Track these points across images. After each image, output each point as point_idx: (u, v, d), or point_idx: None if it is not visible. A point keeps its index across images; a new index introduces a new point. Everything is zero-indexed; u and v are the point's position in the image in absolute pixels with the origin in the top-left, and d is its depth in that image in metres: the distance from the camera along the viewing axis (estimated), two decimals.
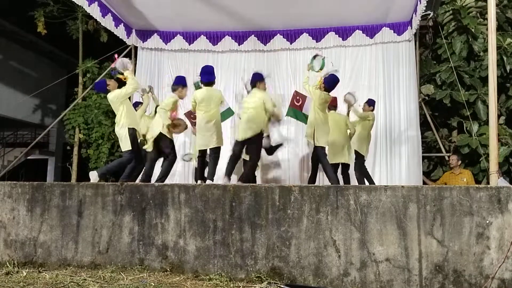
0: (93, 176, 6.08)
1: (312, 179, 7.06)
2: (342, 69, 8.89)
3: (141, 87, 7.12)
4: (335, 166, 7.16)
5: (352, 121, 7.48)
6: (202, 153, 6.76)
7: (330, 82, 6.79)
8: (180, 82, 6.67)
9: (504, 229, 4.31)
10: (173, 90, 6.61)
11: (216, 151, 6.53)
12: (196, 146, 6.82)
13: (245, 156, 6.93)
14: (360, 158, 7.53)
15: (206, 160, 6.81)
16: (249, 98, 6.67)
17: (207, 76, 6.57)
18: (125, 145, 6.25)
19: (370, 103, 7.69)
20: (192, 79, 9.19)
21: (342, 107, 7.72)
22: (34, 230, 5.26)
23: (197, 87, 7.37)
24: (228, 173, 6.36)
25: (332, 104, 7.29)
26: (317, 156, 6.77)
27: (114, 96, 6.29)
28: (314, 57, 7.12)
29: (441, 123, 9.53)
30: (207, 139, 6.47)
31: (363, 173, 7.55)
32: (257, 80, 6.68)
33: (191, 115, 7.78)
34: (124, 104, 6.27)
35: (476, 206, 4.37)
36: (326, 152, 6.83)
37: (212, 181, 6.26)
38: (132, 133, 6.25)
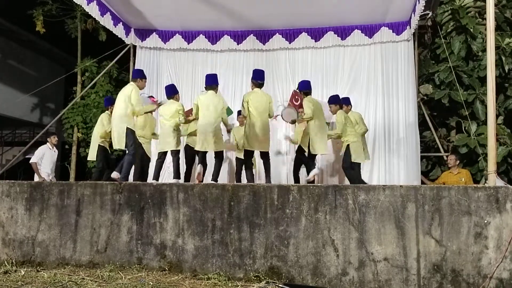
0: (116, 175, 6.25)
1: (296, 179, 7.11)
2: (341, 68, 8.91)
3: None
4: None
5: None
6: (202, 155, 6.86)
7: (305, 86, 6.97)
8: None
9: (502, 229, 4.32)
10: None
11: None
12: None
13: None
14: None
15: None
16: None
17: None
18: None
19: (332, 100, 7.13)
20: (192, 79, 9.25)
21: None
22: (32, 229, 5.25)
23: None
24: None
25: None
26: (301, 160, 6.92)
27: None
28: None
29: (440, 122, 9.53)
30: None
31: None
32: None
33: (189, 114, 7.75)
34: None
35: (474, 206, 4.38)
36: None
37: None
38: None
